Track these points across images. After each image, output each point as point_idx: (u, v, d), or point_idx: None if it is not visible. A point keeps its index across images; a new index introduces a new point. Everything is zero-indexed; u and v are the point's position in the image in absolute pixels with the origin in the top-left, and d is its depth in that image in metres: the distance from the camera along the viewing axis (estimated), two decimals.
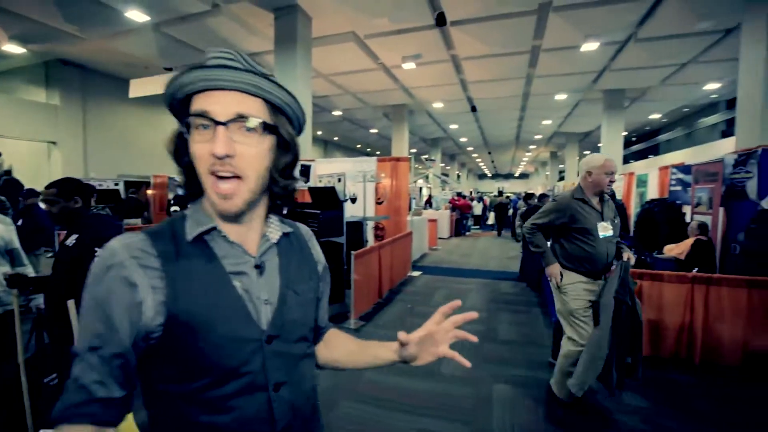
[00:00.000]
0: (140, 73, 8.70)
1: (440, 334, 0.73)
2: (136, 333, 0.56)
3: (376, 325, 4.13)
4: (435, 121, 15.70)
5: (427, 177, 16.41)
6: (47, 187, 1.93)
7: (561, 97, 12.03)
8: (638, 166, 13.92)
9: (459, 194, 16.59)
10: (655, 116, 15.63)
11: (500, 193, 24.86)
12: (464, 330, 0.75)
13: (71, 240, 1.84)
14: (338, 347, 0.84)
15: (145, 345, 0.57)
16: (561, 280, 2.43)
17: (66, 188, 1.92)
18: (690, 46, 7.99)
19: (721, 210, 4.85)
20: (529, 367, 3.18)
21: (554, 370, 2.57)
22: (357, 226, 5.45)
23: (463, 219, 13.88)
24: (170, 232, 0.62)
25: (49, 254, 4.38)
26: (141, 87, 7.79)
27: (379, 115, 14.85)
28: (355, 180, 5.95)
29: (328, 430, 1.43)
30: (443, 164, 27.50)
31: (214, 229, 0.63)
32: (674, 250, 4.55)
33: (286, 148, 0.66)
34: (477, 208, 17.25)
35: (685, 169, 6.47)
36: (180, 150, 0.63)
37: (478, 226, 16.82)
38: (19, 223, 4.09)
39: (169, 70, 9.24)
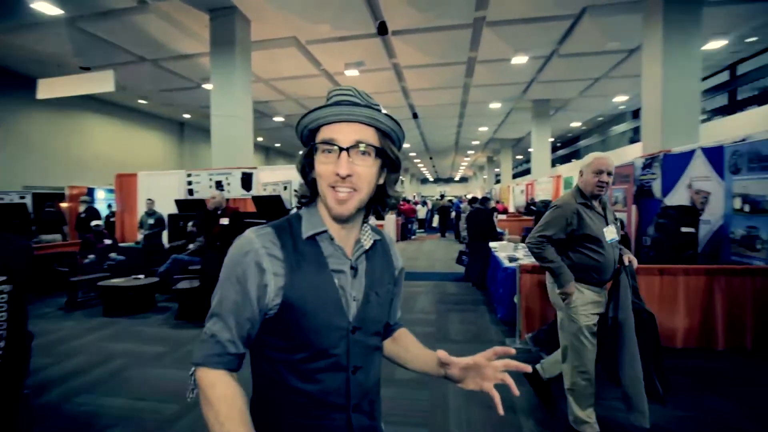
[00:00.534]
0: (52, 71, 7.76)
1: (489, 370, 0.79)
2: (261, 308, 0.71)
3: None
4: None
5: None
6: None
7: (495, 105, 12.84)
8: (564, 169, 15.24)
9: (404, 199, 16.92)
10: (576, 124, 17.28)
11: (442, 196, 25.81)
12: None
13: None
14: (404, 346, 0.95)
15: (262, 318, 0.72)
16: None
17: None
18: (602, 63, 8.97)
19: (634, 207, 5.47)
20: None
21: (569, 410, 2.29)
22: None
23: (408, 223, 14.18)
24: (289, 229, 0.76)
25: None
26: (51, 88, 6.90)
27: None
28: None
29: None
30: None
31: (325, 231, 0.76)
32: None
33: (393, 167, 0.80)
34: (421, 212, 17.72)
35: None
36: (306, 168, 0.79)
37: (423, 230, 17.29)
38: None
39: (87, 69, 8.36)
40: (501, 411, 0.74)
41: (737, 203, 4.05)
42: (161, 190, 6.95)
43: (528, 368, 0.76)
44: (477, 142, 20.89)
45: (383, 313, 0.83)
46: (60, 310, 5.12)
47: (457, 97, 11.76)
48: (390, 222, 12.71)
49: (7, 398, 1.39)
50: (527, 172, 19.67)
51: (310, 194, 0.79)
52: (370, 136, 0.73)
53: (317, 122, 0.74)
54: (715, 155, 4.37)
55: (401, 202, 14.84)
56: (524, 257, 4.67)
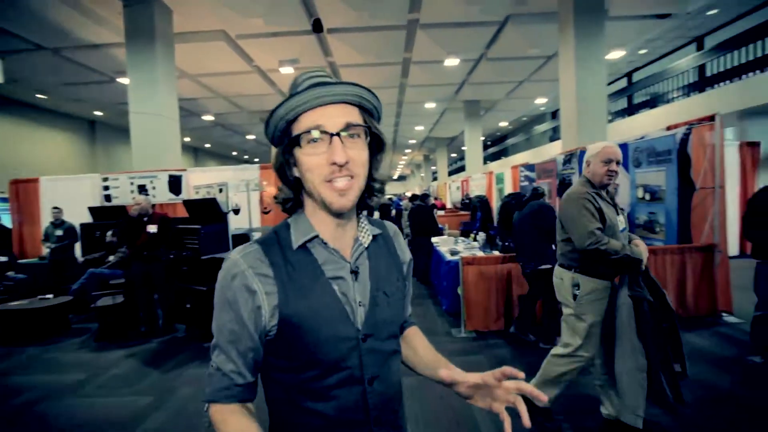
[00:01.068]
0: None
1: (500, 391, 0.70)
2: (260, 332, 0.66)
3: None
4: None
5: None
6: None
7: (430, 105, 13.30)
8: (495, 166, 16.26)
9: None
10: (504, 124, 18.53)
11: None
12: None
13: None
14: (413, 347, 0.87)
15: (264, 341, 0.67)
16: (578, 290, 2.06)
17: None
18: (525, 67, 9.71)
19: (558, 200, 6.00)
20: None
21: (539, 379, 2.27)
22: (243, 239, 5.06)
23: None
24: (277, 241, 0.70)
25: None
26: None
27: (255, 120, 14.07)
28: (237, 189, 5.51)
29: None
30: None
31: (316, 237, 0.69)
32: None
33: (379, 147, 0.72)
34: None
35: (529, 167, 7.80)
36: (285, 167, 0.70)
37: None
38: None
39: None
40: None
41: (640, 192, 4.64)
42: (71, 197, 6.17)
43: (544, 398, 0.67)
44: (414, 141, 21.48)
45: (396, 313, 0.76)
46: None
47: (393, 96, 11.97)
48: None
49: None
50: (462, 169, 20.65)
51: (293, 196, 0.72)
52: (356, 116, 0.67)
53: (296, 110, 0.65)
54: (621, 151, 4.96)
55: None
56: (465, 250, 4.89)
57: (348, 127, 0.64)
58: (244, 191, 5.29)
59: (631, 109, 12.22)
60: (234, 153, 23.28)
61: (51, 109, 11.90)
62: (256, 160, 24.70)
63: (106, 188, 6.32)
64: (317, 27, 6.57)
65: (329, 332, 0.66)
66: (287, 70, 8.51)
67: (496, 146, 22.81)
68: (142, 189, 6.16)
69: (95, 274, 4.97)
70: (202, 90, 10.21)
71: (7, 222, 6.77)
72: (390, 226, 0.85)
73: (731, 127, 8.12)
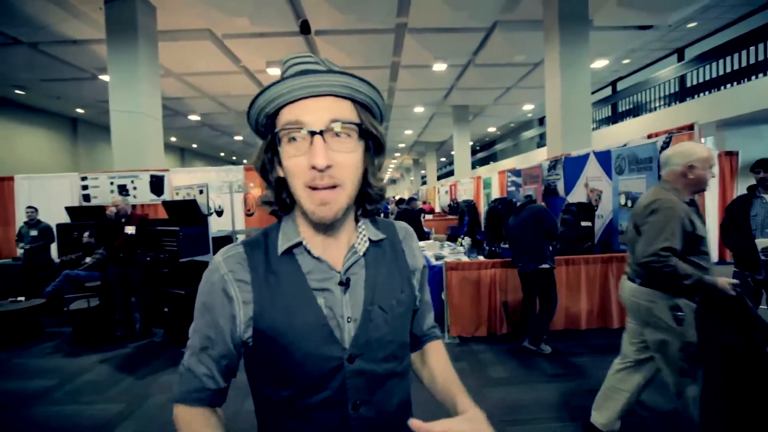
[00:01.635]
0: None
1: None
2: (235, 340, 0.61)
3: None
4: None
5: None
6: None
7: (419, 109, 13.35)
8: (483, 171, 16.38)
9: None
10: (492, 129, 18.72)
11: None
12: None
13: None
14: (430, 369, 0.77)
15: (241, 350, 0.63)
16: (681, 313, 1.79)
17: None
18: (512, 74, 9.82)
19: (543, 204, 6.06)
20: None
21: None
22: (226, 242, 4.97)
23: None
24: (264, 245, 0.64)
25: None
26: None
27: (243, 121, 13.92)
28: (220, 191, 5.41)
29: None
30: None
31: (300, 244, 0.62)
32: None
33: (378, 149, 0.65)
34: None
35: (516, 173, 7.87)
36: (266, 167, 0.62)
37: None
38: None
39: None
40: None
41: (622, 199, 4.70)
42: (49, 197, 6.00)
43: None
44: (403, 145, 21.53)
45: (397, 330, 0.66)
46: None
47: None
48: None
49: None
50: (451, 173, 20.78)
51: (275, 199, 0.64)
52: (347, 111, 0.57)
53: (276, 103, 0.57)
54: (604, 158, 5.02)
55: None
56: (450, 255, 4.89)
57: (333, 124, 0.55)
58: (227, 192, 5.20)
59: (616, 118, 12.46)
60: (222, 154, 23.01)
61: (30, 106, 11.57)
62: (245, 161, 24.45)
63: (85, 188, 6.15)
64: (305, 29, 6.53)
65: (309, 350, 0.59)
66: (275, 72, 8.43)
67: (485, 151, 23.03)
68: (122, 189, 6.01)
69: (70, 276, 4.81)
70: (188, 89, 10.06)
71: None
72: (401, 228, 0.74)
73: (710, 137, 8.33)
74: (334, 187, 0.56)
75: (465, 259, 4.66)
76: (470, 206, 8.67)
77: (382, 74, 9.51)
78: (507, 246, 5.62)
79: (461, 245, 5.73)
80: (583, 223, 4.63)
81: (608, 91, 13.22)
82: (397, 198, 10.81)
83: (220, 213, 5.37)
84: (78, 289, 4.70)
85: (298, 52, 0.61)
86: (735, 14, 7.93)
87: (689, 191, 1.85)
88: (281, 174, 0.61)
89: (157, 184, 6.08)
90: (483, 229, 7.79)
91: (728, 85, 8.08)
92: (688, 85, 9.40)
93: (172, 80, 9.17)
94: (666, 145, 4.14)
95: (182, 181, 5.86)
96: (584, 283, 3.96)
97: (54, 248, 5.57)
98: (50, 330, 4.53)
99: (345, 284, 0.62)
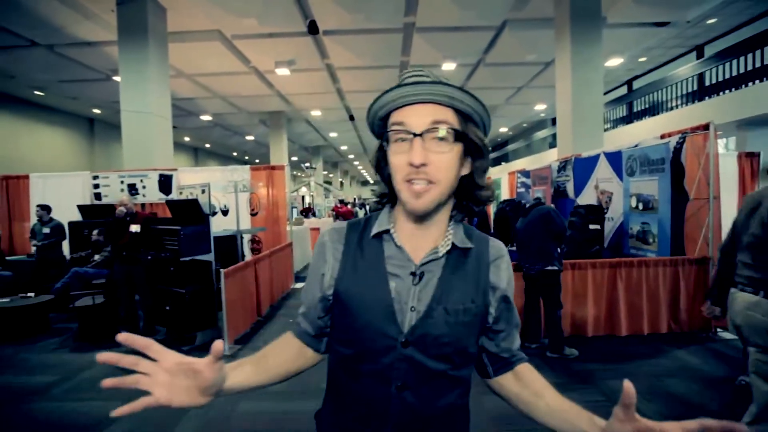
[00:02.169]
0: None
1: None
2: (322, 292, 0.74)
3: (254, 347, 3.81)
4: (315, 128, 15.61)
5: (309, 185, 16.16)
6: None
7: None
8: (494, 172, 16.16)
9: (341, 201, 16.78)
10: (504, 130, 18.47)
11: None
12: None
13: None
14: (534, 390, 0.74)
15: (326, 304, 0.75)
16: None
17: None
18: (523, 74, 9.66)
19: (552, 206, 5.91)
20: None
21: None
22: (231, 241, 4.99)
23: None
24: (362, 226, 0.75)
25: None
26: None
27: (255, 121, 14.06)
28: (226, 190, 5.45)
29: None
30: (326, 172, 27.54)
31: (387, 231, 0.71)
32: None
33: (478, 154, 0.70)
34: (359, 215, 17.71)
35: (525, 174, 7.73)
36: (380, 163, 0.72)
37: None
38: None
39: None
40: None
41: (633, 202, 4.55)
42: (62, 195, 6.12)
43: (742, 428, 0.50)
44: None
45: (457, 335, 0.68)
46: None
47: None
48: (327, 225, 12.49)
49: None
50: None
51: (388, 191, 0.73)
52: (448, 117, 0.64)
53: (386, 108, 0.67)
54: (615, 159, 4.87)
55: (338, 205, 14.72)
56: None
57: (432, 128, 0.63)
58: (232, 192, 5.23)
59: (631, 117, 12.13)
60: (234, 154, 23.30)
61: (50, 106, 11.90)
62: (257, 161, 24.71)
63: (97, 186, 6.27)
64: (312, 29, 6.53)
65: (371, 322, 0.67)
66: (283, 72, 8.48)
67: (497, 152, 22.75)
68: (132, 188, 6.10)
69: (79, 273, 4.89)
70: (199, 90, 10.19)
71: None
72: (496, 247, 0.76)
73: (731, 137, 8.03)
74: (429, 182, 0.63)
75: None
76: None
77: (391, 74, 9.46)
78: (514, 248, 5.51)
79: None
80: (592, 226, 4.49)
81: (623, 90, 12.89)
82: None
83: (225, 212, 5.41)
84: (86, 286, 4.77)
85: (415, 67, 0.69)
86: (757, 10, 7.63)
87: None
88: (389, 171, 0.69)
89: (165, 184, 6.16)
90: (492, 230, 7.67)
91: (750, 84, 7.77)
92: (707, 83, 9.08)
93: (184, 81, 9.30)
94: (679, 145, 3.98)
95: (190, 180, 5.93)
96: (591, 288, 3.83)
97: (66, 245, 5.69)
98: (58, 326, 4.61)
99: (418, 276, 0.68)
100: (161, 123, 6.21)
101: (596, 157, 5.20)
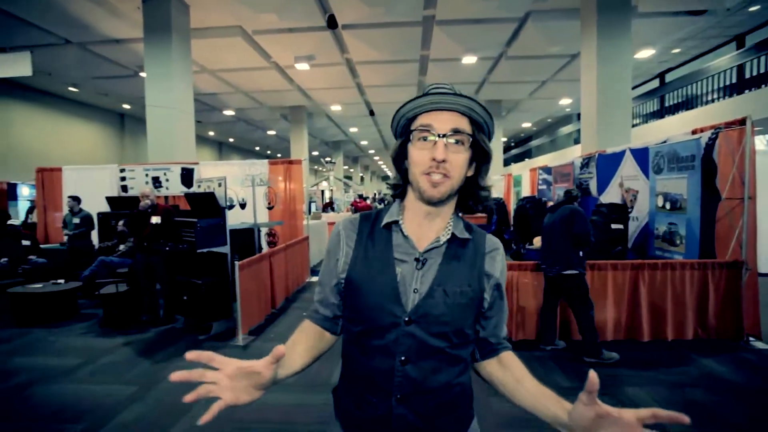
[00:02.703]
0: None
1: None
2: (337, 279, 0.83)
3: (266, 338, 3.87)
4: (335, 123, 15.68)
5: (328, 179, 16.28)
6: None
7: None
8: (515, 168, 15.81)
9: (360, 196, 16.83)
10: (527, 125, 18.00)
11: None
12: None
13: None
14: (516, 377, 0.82)
15: (339, 288, 0.84)
16: None
17: None
18: (547, 67, 9.34)
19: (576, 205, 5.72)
20: None
21: None
22: (248, 234, 5.08)
23: None
24: (374, 217, 0.86)
25: None
26: None
27: (276, 116, 14.25)
28: (243, 184, 5.54)
29: None
30: (346, 167, 27.66)
31: (396, 222, 0.81)
32: (539, 241, 5.21)
33: (484, 159, 0.81)
34: None
35: (547, 170, 7.50)
36: (399, 157, 0.82)
37: None
38: None
39: (2, 50, 7.47)
40: None
41: (660, 201, 4.33)
42: (92, 187, 6.39)
43: (685, 419, 0.55)
44: None
45: (455, 315, 0.78)
46: None
47: (412, 94, 11.73)
48: None
49: None
50: None
51: (402, 183, 0.83)
52: (465, 125, 0.76)
53: (415, 111, 0.78)
54: (641, 156, 4.65)
55: (357, 200, 14.75)
56: None
57: (453, 132, 0.74)
58: (250, 186, 5.32)
59: (663, 112, 11.57)
60: (257, 148, 23.72)
61: (84, 102, 12.44)
62: (279, 155, 25.08)
63: (123, 179, 6.51)
64: (332, 23, 6.53)
65: (377, 302, 0.77)
66: (303, 67, 8.53)
67: (519, 148, 22.24)
68: (156, 181, 6.30)
69: (105, 262, 5.11)
70: (222, 85, 10.39)
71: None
72: (492, 241, 0.86)
73: None
74: (444, 176, 0.74)
75: None
76: (499, 205, 8.38)
77: (411, 68, 9.37)
78: (532, 247, 5.37)
79: None
80: (614, 226, 4.31)
81: (655, 83, 12.30)
82: None
83: (243, 205, 5.50)
84: (111, 274, 4.98)
85: (439, 82, 0.80)
86: None
87: None
88: (406, 165, 0.80)
89: (187, 177, 6.32)
90: (512, 228, 7.50)
91: None
92: (747, 75, 8.53)
93: (207, 76, 9.51)
94: (712, 142, 3.75)
95: (211, 174, 6.06)
96: (611, 290, 3.69)
97: (95, 235, 5.95)
98: (86, 311, 4.84)
99: (421, 262, 0.78)
100: (184, 118, 6.37)
101: (621, 154, 4.98)
